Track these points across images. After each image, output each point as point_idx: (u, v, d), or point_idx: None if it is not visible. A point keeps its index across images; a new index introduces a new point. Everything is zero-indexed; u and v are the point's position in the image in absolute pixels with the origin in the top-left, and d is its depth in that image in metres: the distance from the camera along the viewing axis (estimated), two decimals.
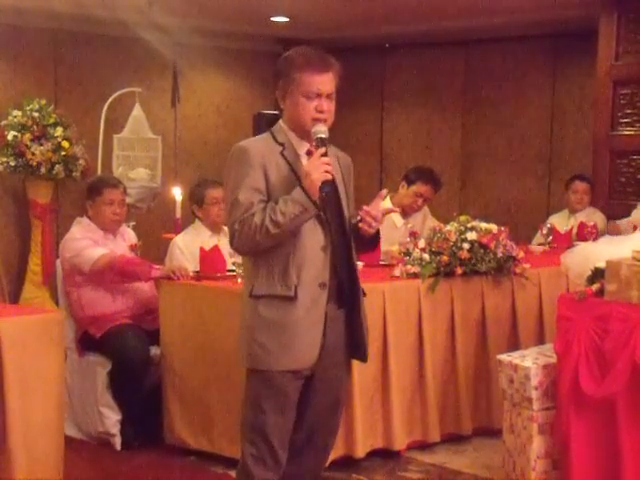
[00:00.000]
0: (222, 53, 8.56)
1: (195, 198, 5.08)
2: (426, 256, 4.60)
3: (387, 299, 4.38)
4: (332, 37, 8.14)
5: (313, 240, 2.98)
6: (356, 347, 3.15)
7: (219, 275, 4.49)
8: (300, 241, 2.96)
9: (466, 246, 4.61)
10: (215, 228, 5.06)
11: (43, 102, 6.86)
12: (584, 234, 5.91)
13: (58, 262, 4.91)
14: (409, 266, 4.57)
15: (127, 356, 4.55)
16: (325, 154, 2.93)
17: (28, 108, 6.78)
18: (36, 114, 6.74)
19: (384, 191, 3.16)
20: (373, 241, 3.14)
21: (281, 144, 3.04)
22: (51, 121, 6.79)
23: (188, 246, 4.95)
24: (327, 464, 3.44)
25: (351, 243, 3.10)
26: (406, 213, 5.69)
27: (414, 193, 5.59)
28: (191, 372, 4.43)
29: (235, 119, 8.72)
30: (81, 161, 6.91)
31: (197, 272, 4.56)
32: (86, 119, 7.49)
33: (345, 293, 3.09)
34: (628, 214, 6.05)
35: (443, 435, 4.66)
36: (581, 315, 3.60)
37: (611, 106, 6.51)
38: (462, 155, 8.59)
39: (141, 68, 7.98)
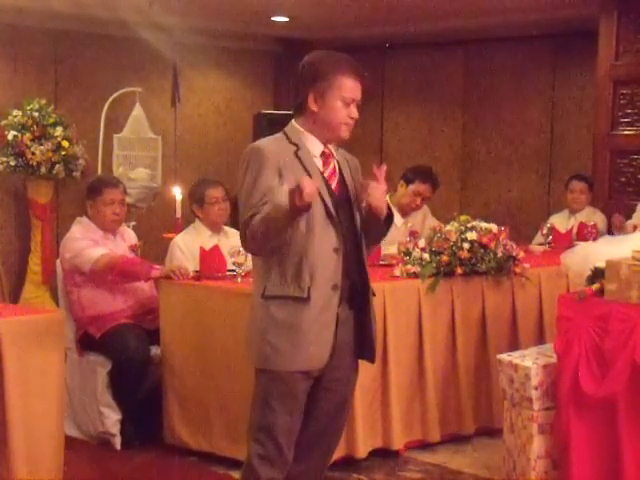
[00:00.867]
0: (222, 53, 8.57)
1: (195, 198, 5.08)
2: (426, 256, 4.60)
3: (387, 299, 4.38)
4: (332, 37, 8.15)
5: (326, 242, 2.98)
6: (364, 348, 3.16)
7: (219, 275, 4.49)
8: (313, 243, 2.95)
9: (466, 246, 4.61)
10: (215, 228, 5.06)
11: (43, 102, 6.86)
12: (584, 234, 5.91)
13: (58, 262, 4.91)
14: (409, 266, 4.57)
15: (127, 356, 4.55)
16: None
17: (28, 108, 6.78)
18: (36, 114, 6.75)
19: (383, 166, 3.09)
20: (385, 221, 3.10)
21: (295, 144, 3.03)
22: (51, 121, 6.79)
23: (188, 246, 4.94)
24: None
25: (362, 245, 3.10)
26: (405, 212, 5.70)
27: (412, 192, 5.62)
28: (191, 372, 4.43)
29: (235, 119, 8.73)
30: (81, 161, 6.92)
31: (197, 272, 4.56)
32: (86, 119, 7.49)
33: (357, 294, 3.09)
34: (628, 214, 6.05)
35: (444, 435, 4.66)
36: (581, 315, 3.60)
37: (611, 106, 6.51)
38: (462, 155, 8.59)
39: (141, 68, 7.98)
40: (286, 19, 7.68)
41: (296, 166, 2.99)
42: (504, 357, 4.00)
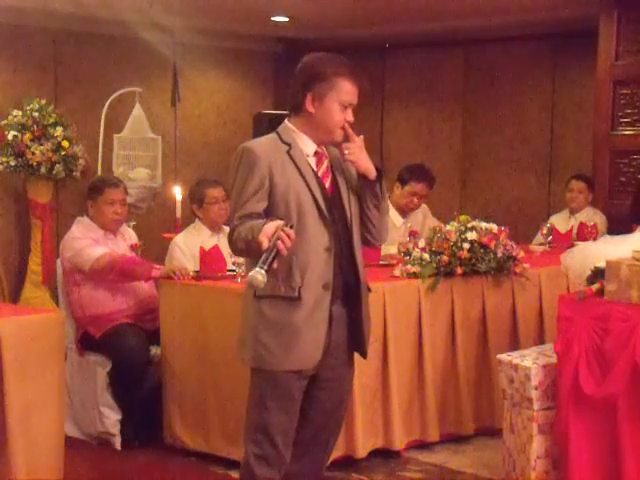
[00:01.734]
0: (222, 53, 8.56)
1: (195, 198, 5.08)
2: (426, 256, 4.60)
3: (387, 299, 4.38)
4: (332, 37, 8.14)
5: (317, 241, 2.99)
6: (356, 343, 3.16)
7: (219, 275, 4.49)
8: (304, 242, 2.95)
9: (466, 246, 4.61)
10: (215, 227, 5.06)
11: (43, 102, 6.85)
12: (584, 234, 5.91)
13: (58, 262, 4.92)
14: (409, 266, 4.57)
15: (127, 356, 4.55)
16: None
17: (28, 108, 6.77)
18: (36, 114, 6.74)
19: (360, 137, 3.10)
20: (378, 180, 3.08)
21: (287, 144, 3.04)
22: (51, 121, 6.78)
23: (188, 246, 4.95)
24: (327, 464, 3.45)
25: (354, 243, 3.10)
26: (404, 213, 5.71)
27: (409, 192, 5.64)
28: (191, 372, 4.43)
29: (235, 119, 8.72)
30: (81, 161, 6.91)
31: (197, 272, 4.56)
32: (86, 119, 7.48)
33: (351, 293, 3.10)
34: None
35: (444, 435, 4.66)
36: (581, 315, 3.60)
37: (611, 106, 6.51)
38: (462, 155, 8.59)
39: (141, 68, 7.97)
40: (286, 19, 7.67)
41: (288, 165, 3.00)
42: (504, 357, 4.00)
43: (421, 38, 8.44)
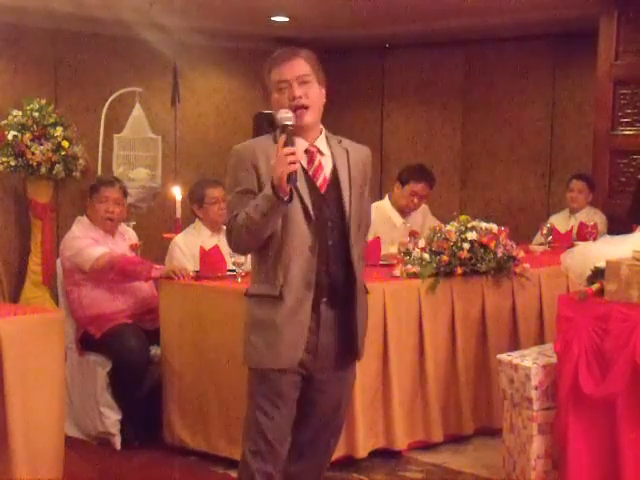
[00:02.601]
0: (222, 53, 8.56)
1: (195, 198, 5.08)
2: (426, 256, 4.60)
3: (387, 299, 4.38)
4: (332, 37, 8.14)
5: (300, 240, 2.97)
6: (349, 345, 3.12)
7: (219, 275, 4.50)
8: (287, 241, 2.96)
9: (466, 246, 4.61)
10: (215, 228, 5.06)
11: (43, 102, 6.85)
12: (584, 234, 5.91)
13: (58, 261, 4.92)
14: (409, 266, 4.57)
15: (127, 356, 4.55)
16: (287, 143, 2.84)
17: (28, 108, 6.77)
18: (36, 114, 6.74)
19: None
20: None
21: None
22: (51, 121, 6.79)
23: (188, 246, 4.95)
24: (328, 465, 3.44)
25: (351, 243, 3.08)
26: (405, 213, 5.71)
27: (408, 193, 5.64)
28: (190, 372, 4.43)
29: (235, 119, 8.72)
30: (81, 161, 6.91)
31: (197, 272, 4.56)
32: (86, 119, 7.49)
33: (339, 292, 3.07)
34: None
35: (444, 435, 4.66)
36: (581, 315, 3.60)
37: (611, 106, 6.51)
38: (462, 155, 8.60)
39: (141, 68, 7.98)
40: (286, 19, 7.67)
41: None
42: (504, 357, 4.00)
43: (421, 38, 8.44)
